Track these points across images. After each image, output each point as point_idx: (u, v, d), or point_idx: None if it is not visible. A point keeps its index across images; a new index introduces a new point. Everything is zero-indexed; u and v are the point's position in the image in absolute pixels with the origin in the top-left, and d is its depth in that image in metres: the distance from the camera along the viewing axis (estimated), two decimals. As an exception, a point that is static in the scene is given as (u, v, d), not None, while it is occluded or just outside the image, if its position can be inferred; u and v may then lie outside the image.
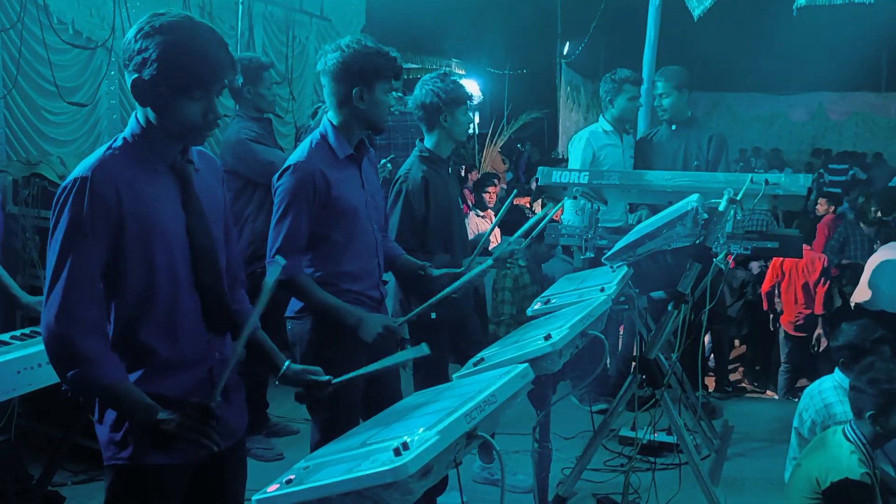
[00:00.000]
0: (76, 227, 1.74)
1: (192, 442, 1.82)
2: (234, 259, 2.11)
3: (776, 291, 5.63)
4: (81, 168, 1.79)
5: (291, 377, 2.10)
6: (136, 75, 1.78)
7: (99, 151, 1.85)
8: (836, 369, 3.48)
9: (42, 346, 1.75)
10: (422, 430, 1.41)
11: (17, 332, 2.48)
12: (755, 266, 5.94)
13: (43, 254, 3.85)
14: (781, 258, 5.22)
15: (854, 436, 2.84)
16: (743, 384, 5.96)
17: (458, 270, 2.85)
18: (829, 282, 5.42)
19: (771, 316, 5.81)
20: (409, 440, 1.36)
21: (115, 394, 1.78)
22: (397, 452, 1.33)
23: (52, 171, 3.79)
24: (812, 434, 3.42)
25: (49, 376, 2.31)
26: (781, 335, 5.67)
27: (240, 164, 3.92)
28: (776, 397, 5.65)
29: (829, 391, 3.43)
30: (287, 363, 2.10)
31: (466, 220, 5.26)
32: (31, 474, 3.24)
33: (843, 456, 2.79)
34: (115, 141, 1.88)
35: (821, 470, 2.81)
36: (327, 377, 2.10)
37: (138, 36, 1.77)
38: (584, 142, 4.71)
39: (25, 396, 3.74)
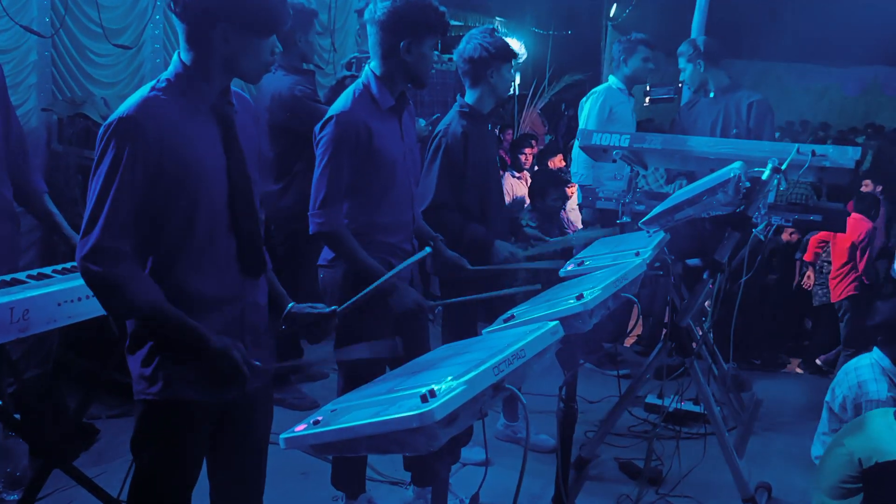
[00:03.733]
0: (117, 165, 1.76)
1: (224, 380, 1.86)
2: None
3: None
4: (125, 107, 1.80)
5: (297, 315, 2.11)
6: (213, 26, 1.79)
7: (142, 91, 1.85)
8: (875, 347, 3.43)
9: (82, 281, 1.78)
10: (450, 378, 1.41)
11: (59, 266, 2.52)
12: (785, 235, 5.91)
13: (84, 192, 3.91)
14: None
15: None
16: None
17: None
18: (868, 251, 5.34)
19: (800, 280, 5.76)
20: (436, 388, 1.37)
21: (159, 314, 1.79)
22: (424, 399, 1.34)
23: (96, 112, 3.82)
24: (843, 410, 3.38)
25: (88, 310, 2.36)
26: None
27: (296, 121, 3.84)
28: (802, 372, 5.59)
29: (865, 368, 3.38)
30: (291, 304, 2.12)
31: (502, 181, 5.21)
32: (69, 405, 3.34)
33: (894, 439, 2.75)
34: (157, 82, 1.88)
35: (865, 450, 2.77)
36: (332, 307, 2.11)
37: None
38: (603, 96, 4.75)
39: (64, 330, 3.86)
